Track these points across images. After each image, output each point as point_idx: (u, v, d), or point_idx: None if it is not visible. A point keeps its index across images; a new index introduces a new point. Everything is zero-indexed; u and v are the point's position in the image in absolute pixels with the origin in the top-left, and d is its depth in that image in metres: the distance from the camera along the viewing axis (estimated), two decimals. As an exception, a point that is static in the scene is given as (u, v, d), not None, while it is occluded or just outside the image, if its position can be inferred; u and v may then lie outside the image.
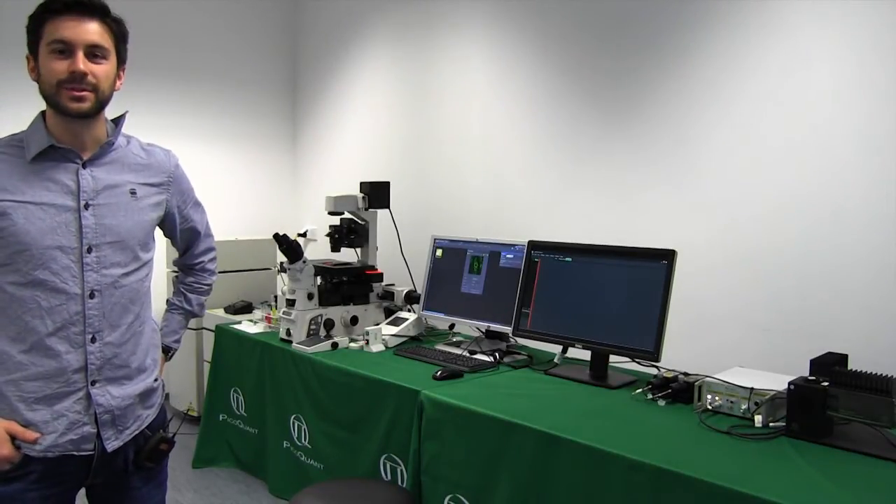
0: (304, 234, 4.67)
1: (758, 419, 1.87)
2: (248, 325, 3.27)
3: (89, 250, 1.42)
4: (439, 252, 3.08)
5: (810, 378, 1.82)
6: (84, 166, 1.44)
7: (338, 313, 3.00)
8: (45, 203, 1.39)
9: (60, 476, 1.44)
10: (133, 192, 1.51)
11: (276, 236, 2.87)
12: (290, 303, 2.92)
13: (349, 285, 3.10)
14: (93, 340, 1.43)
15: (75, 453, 1.43)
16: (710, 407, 1.98)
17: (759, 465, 1.63)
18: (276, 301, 3.43)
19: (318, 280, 3.03)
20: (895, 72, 2.24)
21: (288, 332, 2.92)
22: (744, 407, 1.92)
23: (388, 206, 3.31)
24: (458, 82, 3.71)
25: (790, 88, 2.48)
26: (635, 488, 1.66)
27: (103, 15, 1.42)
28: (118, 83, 1.48)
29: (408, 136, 4.04)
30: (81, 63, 1.37)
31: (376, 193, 3.26)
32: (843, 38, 2.34)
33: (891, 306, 2.27)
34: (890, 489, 1.51)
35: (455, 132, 3.74)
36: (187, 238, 1.79)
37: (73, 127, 1.43)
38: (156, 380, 1.61)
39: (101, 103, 1.44)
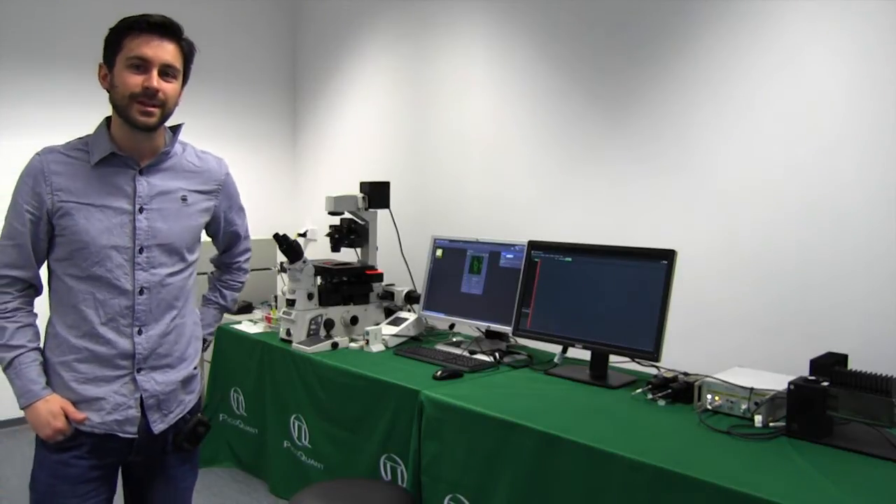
0: (304, 234, 4.67)
1: (758, 419, 1.87)
2: (248, 325, 3.27)
3: (141, 251, 1.55)
4: (439, 252, 3.08)
5: (810, 378, 1.82)
6: (141, 173, 1.56)
7: (338, 313, 3.00)
8: (104, 205, 1.52)
9: (106, 451, 1.58)
10: (184, 199, 1.63)
11: (276, 236, 2.87)
12: (290, 303, 2.92)
13: (349, 285, 3.10)
14: (139, 332, 1.56)
15: (119, 434, 1.56)
16: (709, 407, 1.98)
17: (759, 465, 1.63)
18: (276, 301, 3.43)
19: (318, 280, 3.03)
20: None
21: (288, 332, 2.92)
22: (744, 407, 1.92)
23: (388, 206, 3.31)
24: (459, 82, 3.71)
25: (792, 89, 2.48)
26: (635, 488, 1.66)
27: (179, 37, 1.55)
28: (179, 99, 1.59)
29: (408, 136, 4.04)
30: (156, 80, 1.49)
31: (376, 193, 3.26)
32: (846, 38, 2.34)
33: (891, 307, 2.27)
34: (890, 489, 1.51)
35: (455, 132, 3.74)
36: (229, 240, 1.92)
37: (135, 136, 1.54)
38: (195, 368, 1.74)
39: (165, 118, 1.56)
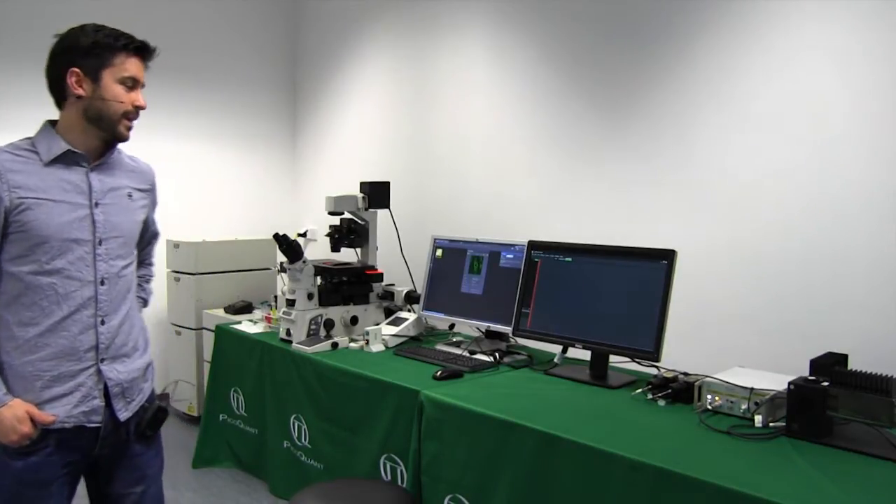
0: (304, 234, 4.67)
1: (758, 419, 1.87)
2: (248, 325, 3.27)
3: (100, 243, 1.61)
4: (439, 252, 3.08)
5: (810, 378, 1.82)
6: (91, 170, 1.62)
7: (338, 313, 3.00)
8: (62, 201, 1.56)
9: (73, 446, 1.61)
10: (130, 195, 1.72)
11: (276, 236, 2.87)
12: (290, 303, 2.92)
13: (349, 285, 3.10)
14: (102, 323, 1.62)
15: (86, 424, 1.60)
16: (710, 407, 1.98)
17: (759, 465, 1.63)
18: (276, 301, 3.43)
19: (318, 280, 3.03)
20: None
21: (288, 332, 2.92)
22: (744, 407, 1.92)
23: (388, 206, 3.31)
24: (458, 82, 3.71)
25: (792, 89, 2.48)
26: (635, 488, 1.66)
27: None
28: None
29: (408, 136, 4.04)
30: (142, 99, 1.63)
31: (376, 193, 3.26)
32: (846, 37, 2.34)
33: (891, 307, 2.27)
34: (890, 489, 1.51)
35: (455, 132, 3.74)
36: (150, 238, 1.98)
37: (91, 139, 1.61)
38: (150, 357, 1.81)
39: None
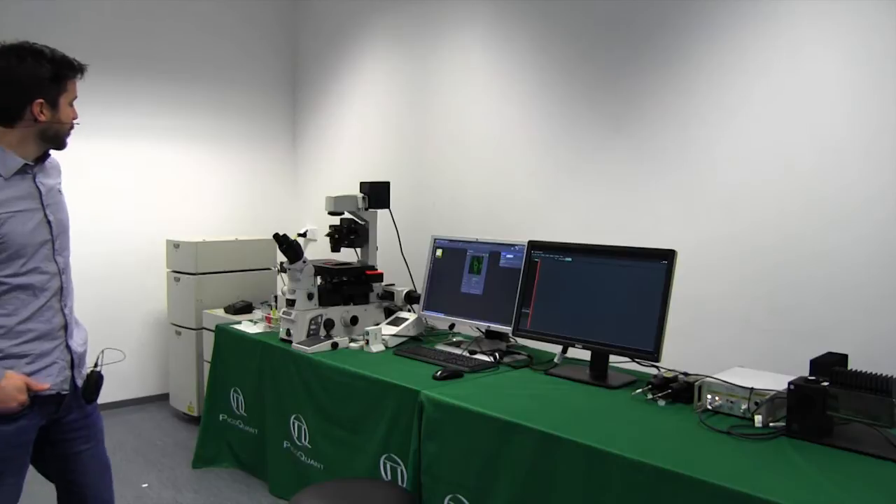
0: (304, 234, 4.67)
1: (758, 419, 1.87)
2: (248, 325, 3.27)
3: (56, 239, 1.83)
4: (439, 252, 3.08)
5: (810, 378, 1.82)
6: (35, 177, 1.80)
7: (338, 313, 3.00)
8: (26, 209, 1.77)
9: (46, 411, 1.82)
10: (60, 191, 1.91)
11: (276, 236, 2.87)
12: (290, 303, 2.92)
13: (349, 285, 3.10)
14: (65, 305, 1.85)
15: (61, 391, 1.83)
16: (710, 407, 1.98)
17: (759, 465, 1.63)
18: (276, 301, 3.43)
19: (318, 280, 3.03)
20: None
21: (288, 332, 2.92)
22: (744, 407, 1.92)
23: (388, 206, 3.31)
24: (459, 82, 3.71)
25: (791, 89, 2.48)
26: (635, 488, 1.66)
27: None
28: None
29: (408, 136, 4.04)
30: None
31: (376, 193, 3.26)
32: (846, 38, 2.34)
33: (891, 306, 2.27)
34: (890, 489, 1.51)
35: (455, 132, 3.74)
36: None
37: (38, 151, 1.80)
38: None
39: None
